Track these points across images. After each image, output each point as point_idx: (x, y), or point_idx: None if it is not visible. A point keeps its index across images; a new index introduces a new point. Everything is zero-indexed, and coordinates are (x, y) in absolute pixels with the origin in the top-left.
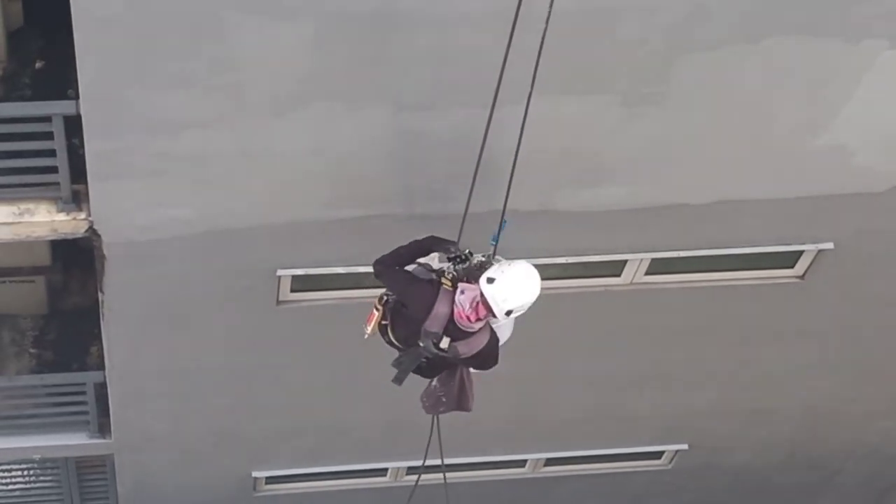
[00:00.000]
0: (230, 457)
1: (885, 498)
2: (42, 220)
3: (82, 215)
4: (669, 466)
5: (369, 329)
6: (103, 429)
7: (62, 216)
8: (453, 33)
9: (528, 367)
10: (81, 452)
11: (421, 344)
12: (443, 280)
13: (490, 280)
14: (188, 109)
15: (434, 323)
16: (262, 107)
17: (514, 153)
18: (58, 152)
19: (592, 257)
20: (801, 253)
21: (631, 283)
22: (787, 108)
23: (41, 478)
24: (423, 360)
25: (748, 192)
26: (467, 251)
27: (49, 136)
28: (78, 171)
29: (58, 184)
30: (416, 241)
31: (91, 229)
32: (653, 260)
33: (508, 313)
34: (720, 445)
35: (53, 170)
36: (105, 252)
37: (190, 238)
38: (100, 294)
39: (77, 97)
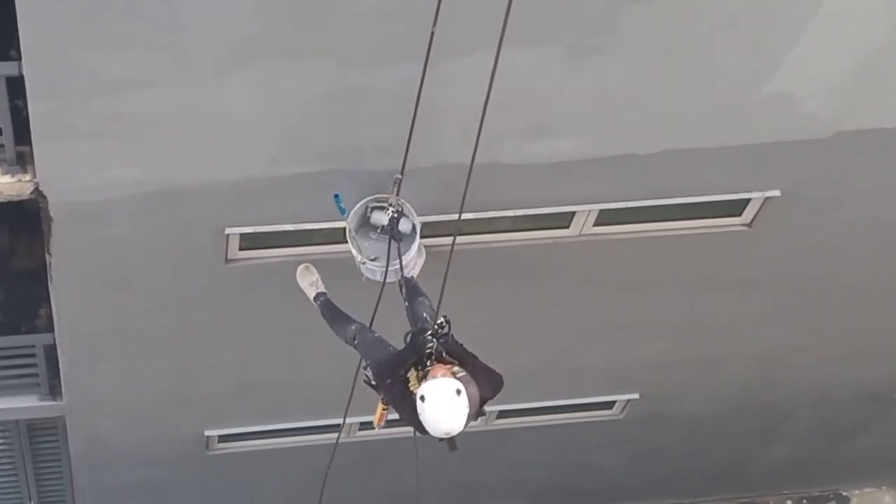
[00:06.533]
0: (182, 416)
1: (835, 442)
2: None
3: (27, 177)
4: (621, 416)
5: (382, 424)
6: (54, 391)
7: (7, 178)
8: None
9: (476, 321)
10: (32, 415)
11: None
12: (411, 386)
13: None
14: (133, 70)
15: None
16: (207, 66)
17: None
18: (1, 114)
19: (541, 209)
20: (748, 201)
21: (580, 235)
22: (733, 56)
23: None
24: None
25: (695, 140)
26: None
27: None
28: (22, 133)
29: (2, 145)
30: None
31: (37, 191)
32: (601, 211)
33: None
34: (671, 394)
35: None
36: (51, 214)
37: (137, 198)
38: (47, 256)
39: (19, 58)
